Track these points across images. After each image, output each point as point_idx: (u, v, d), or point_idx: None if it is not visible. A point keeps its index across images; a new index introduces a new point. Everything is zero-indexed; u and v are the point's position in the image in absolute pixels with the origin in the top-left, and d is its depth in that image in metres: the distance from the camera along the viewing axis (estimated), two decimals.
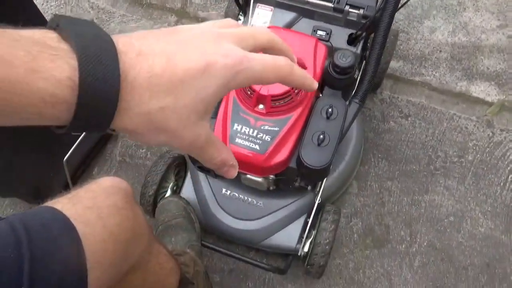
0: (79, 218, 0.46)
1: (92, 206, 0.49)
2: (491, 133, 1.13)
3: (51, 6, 1.46)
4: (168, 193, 1.01)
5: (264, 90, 0.80)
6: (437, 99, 1.19)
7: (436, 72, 1.23)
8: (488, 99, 1.19)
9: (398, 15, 1.32)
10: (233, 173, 0.36)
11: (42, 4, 1.46)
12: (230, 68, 0.30)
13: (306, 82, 0.37)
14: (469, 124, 1.15)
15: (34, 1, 1.50)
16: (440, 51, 1.27)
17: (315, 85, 0.38)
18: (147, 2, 1.43)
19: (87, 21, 0.29)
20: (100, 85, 0.26)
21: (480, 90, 1.20)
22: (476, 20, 1.30)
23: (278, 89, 0.80)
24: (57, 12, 1.45)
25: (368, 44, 0.98)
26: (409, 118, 1.17)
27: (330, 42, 0.96)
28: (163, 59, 0.29)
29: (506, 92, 1.19)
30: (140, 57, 0.29)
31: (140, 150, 1.20)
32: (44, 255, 0.40)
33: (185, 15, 1.40)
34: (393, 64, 1.24)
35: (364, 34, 0.93)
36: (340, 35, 0.96)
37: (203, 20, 1.39)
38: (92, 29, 0.28)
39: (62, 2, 1.46)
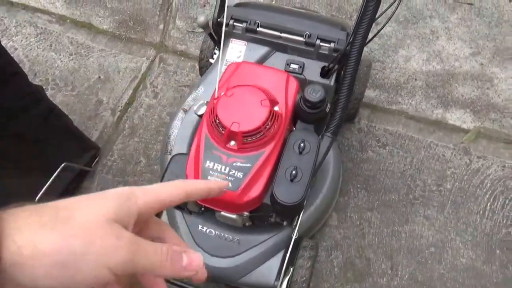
0: None
1: None
2: (468, 161, 1.14)
3: (30, 42, 1.46)
4: None
5: (235, 126, 0.79)
6: (414, 127, 1.20)
7: (412, 101, 1.25)
8: (464, 126, 1.19)
9: (373, 45, 1.34)
10: (199, 260, 0.33)
11: (22, 40, 1.47)
12: (123, 191, 0.31)
13: (211, 188, 0.37)
14: (446, 152, 1.15)
15: (14, 37, 1.51)
16: (415, 79, 1.28)
17: (222, 185, 0.38)
18: (126, 36, 1.44)
19: None
20: None
21: (456, 117, 1.21)
22: (449, 48, 1.33)
23: (249, 125, 0.79)
24: (37, 47, 1.45)
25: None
26: (387, 147, 1.17)
27: (304, 75, 0.97)
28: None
29: (481, 119, 1.20)
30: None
31: (118, 186, 1.18)
32: None
33: (163, 49, 1.41)
34: (370, 93, 1.25)
35: (336, 66, 0.94)
36: (313, 68, 0.97)
37: (181, 53, 1.40)
38: None
39: (42, 38, 1.46)
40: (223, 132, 0.80)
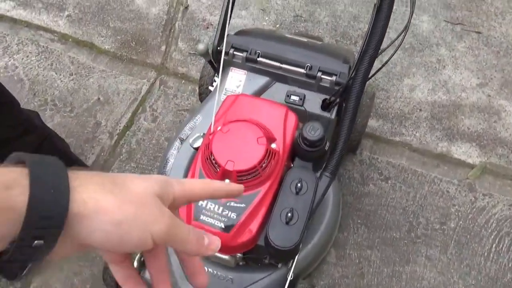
0: None
1: None
2: (473, 198, 1.10)
3: (31, 60, 1.46)
4: (135, 265, 0.95)
5: (230, 165, 0.76)
6: (418, 160, 1.16)
7: (416, 132, 1.21)
8: (470, 161, 1.16)
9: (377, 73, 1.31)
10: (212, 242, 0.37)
11: (23, 58, 1.46)
12: (163, 177, 0.36)
13: (231, 190, 0.40)
14: (450, 187, 1.11)
15: (15, 55, 1.50)
16: (420, 110, 1.25)
17: (238, 189, 0.41)
18: (127, 57, 1.43)
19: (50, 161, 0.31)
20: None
21: (462, 151, 1.17)
22: (456, 78, 1.29)
23: (244, 164, 0.76)
24: (38, 66, 1.44)
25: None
26: (389, 181, 1.13)
27: (304, 107, 0.95)
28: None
29: (488, 154, 1.17)
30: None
31: None
32: None
33: (164, 71, 1.39)
34: (373, 123, 1.22)
35: (338, 100, 0.92)
36: (314, 100, 0.95)
37: (182, 76, 1.38)
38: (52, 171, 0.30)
39: (43, 56, 1.46)
40: (218, 170, 0.77)
